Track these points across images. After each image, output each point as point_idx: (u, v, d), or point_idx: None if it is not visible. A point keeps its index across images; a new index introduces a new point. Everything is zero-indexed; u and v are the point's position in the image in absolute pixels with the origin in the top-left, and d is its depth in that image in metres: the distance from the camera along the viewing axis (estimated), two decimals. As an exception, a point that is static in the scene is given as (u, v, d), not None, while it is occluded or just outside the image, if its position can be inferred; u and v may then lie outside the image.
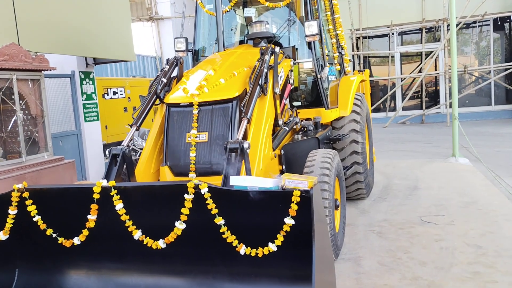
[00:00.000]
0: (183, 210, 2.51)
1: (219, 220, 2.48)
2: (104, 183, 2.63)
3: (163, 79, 4.24)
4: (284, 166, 4.46)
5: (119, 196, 2.62)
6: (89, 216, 2.67)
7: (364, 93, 6.72)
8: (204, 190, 2.46)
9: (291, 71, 4.77)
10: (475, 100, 15.15)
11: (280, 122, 4.21)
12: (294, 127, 4.86)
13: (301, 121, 4.94)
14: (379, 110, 15.99)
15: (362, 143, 5.41)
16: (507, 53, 14.99)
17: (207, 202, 2.46)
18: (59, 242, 2.80)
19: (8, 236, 2.84)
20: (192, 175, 3.68)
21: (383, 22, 15.12)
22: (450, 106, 14.68)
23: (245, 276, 2.70)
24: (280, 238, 2.44)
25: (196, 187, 2.47)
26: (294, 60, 4.92)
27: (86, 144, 8.47)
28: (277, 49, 4.23)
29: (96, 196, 2.63)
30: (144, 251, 2.82)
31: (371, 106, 15.66)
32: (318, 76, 4.95)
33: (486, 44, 15.05)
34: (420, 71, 14.96)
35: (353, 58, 15.39)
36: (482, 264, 3.65)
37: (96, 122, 8.71)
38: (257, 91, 3.77)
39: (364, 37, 15.87)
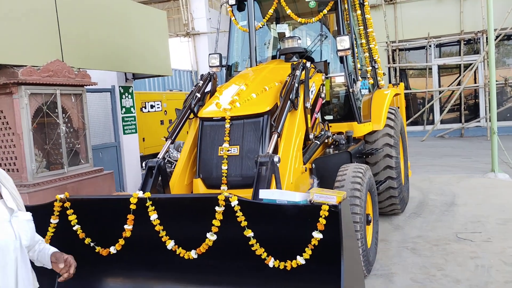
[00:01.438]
0: (214, 222, 2.58)
1: (249, 233, 2.54)
2: (140, 194, 2.74)
3: (197, 94, 4.37)
4: (315, 180, 4.49)
5: (154, 207, 2.72)
6: (125, 226, 2.78)
7: (399, 107, 6.66)
8: (234, 203, 2.53)
9: (323, 85, 4.82)
10: (516, 114, 14.66)
11: (311, 136, 4.25)
12: (326, 141, 4.88)
13: (333, 135, 4.95)
14: (417, 124, 15.68)
15: (396, 157, 5.35)
16: (550, 64, 14.47)
17: (237, 214, 2.53)
18: (97, 251, 2.92)
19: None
20: (223, 187, 3.76)
21: (420, 34, 14.90)
22: (490, 120, 14.27)
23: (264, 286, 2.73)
24: (308, 252, 2.47)
25: (227, 199, 2.54)
26: (326, 74, 4.96)
27: (124, 156, 8.73)
28: (308, 64, 4.29)
29: (132, 206, 2.75)
30: (176, 261, 2.91)
31: (408, 119, 15.45)
32: (350, 90, 4.96)
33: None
34: (459, 84, 14.63)
35: (389, 70, 15.23)
36: (519, 284, 3.54)
37: (134, 134, 8.98)
38: (288, 106, 3.83)
39: (401, 50, 15.67)
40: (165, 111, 10.84)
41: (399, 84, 6.67)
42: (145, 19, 8.39)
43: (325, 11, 5.05)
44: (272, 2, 5.14)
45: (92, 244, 2.93)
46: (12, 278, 1.78)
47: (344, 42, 4.70)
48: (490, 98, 7.96)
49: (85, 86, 6.50)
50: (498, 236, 4.65)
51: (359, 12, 5.54)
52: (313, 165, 4.51)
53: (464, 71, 14.49)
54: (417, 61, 15.84)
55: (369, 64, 5.68)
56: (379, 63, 6.08)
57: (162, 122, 10.64)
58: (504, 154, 10.28)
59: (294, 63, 4.35)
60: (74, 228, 2.90)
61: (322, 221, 2.40)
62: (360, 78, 5.15)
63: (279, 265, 2.54)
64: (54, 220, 2.91)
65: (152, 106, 10.47)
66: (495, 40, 13.59)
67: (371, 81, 5.64)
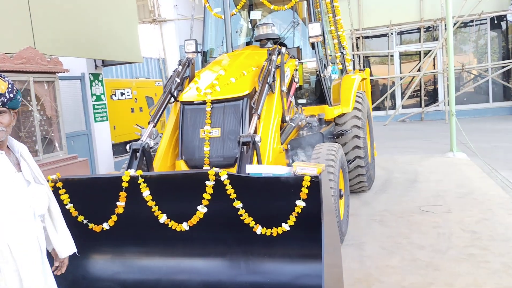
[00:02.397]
0: (204, 195, 2.79)
1: (238, 204, 2.77)
2: (132, 172, 2.91)
3: (177, 79, 4.52)
4: (290, 160, 4.76)
5: (146, 184, 2.90)
6: (118, 203, 2.95)
7: (365, 91, 7.00)
8: (223, 177, 2.75)
9: (296, 70, 5.06)
10: (473, 98, 15.42)
11: (287, 118, 4.49)
12: (300, 123, 5.14)
13: (306, 117, 5.21)
14: (379, 109, 16.23)
15: (364, 138, 5.68)
16: (504, 51, 15.27)
17: (226, 188, 2.75)
18: (90, 227, 3.08)
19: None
20: (206, 168, 3.96)
21: (382, 22, 15.39)
22: (449, 104, 14.99)
23: (259, 256, 2.98)
24: (292, 219, 2.72)
25: (217, 174, 2.76)
26: (299, 60, 5.20)
27: (96, 144, 8.75)
28: (283, 49, 4.52)
29: (125, 184, 2.91)
30: (167, 236, 3.11)
31: (372, 104, 15.99)
32: (322, 75, 5.23)
33: (484, 43, 15.33)
34: (419, 70, 15.24)
35: (353, 57, 15.67)
36: (476, 247, 3.93)
37: (105, 122, 9.00)
38: (266, 89, 4.05)
39: (364, 37, 16.14)
40: (136, 98, 10.84)
41: (364, 69, 7.00)
42: (114, 5, 8.38)
43: (296, -1, 5.28)
44: (246, -11, 5.32)
45: (85, 221, 3.08)
46: (34, 240, 1.99)
47: (315, 29, 4.95)
48: (449, 82, 8.44)
49: (57, 73, 6.52)
50: (457, 208, 5.07)
51: (328, 0, 5.81)
52: (289, 146, 4.78)
53: (424, 58, 15.10)
54: (379, 48, 16.35)
55: (338, 50, 5.96)
56: (346, 50, 6.38)
57: (132, 110, 10.65)
58: (462, 136, 10.90)
59: (270, 48, 4.57)
60: (67, 207, 3.04)
61: (305, 190, 2.66)
62: (330, 63, 5.44)
63: (266, 232, 2.78)
64: (47, 200, 3.04)
65: (122, 94, 10.46)
66: (453, 27, 14.23)
67: (340, 66, 5.94)
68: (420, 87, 15.61)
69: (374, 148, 7.03)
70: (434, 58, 15.33)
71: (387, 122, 14.94)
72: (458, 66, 15.02)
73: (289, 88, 4.82)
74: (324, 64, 5.27)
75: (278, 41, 5.26)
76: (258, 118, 3.87)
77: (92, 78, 8.78)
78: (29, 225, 1.98)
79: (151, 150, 4.14)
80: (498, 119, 13.83)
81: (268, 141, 3.98)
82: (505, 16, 14.28)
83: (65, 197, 3.06)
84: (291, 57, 5.07)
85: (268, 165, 3.03)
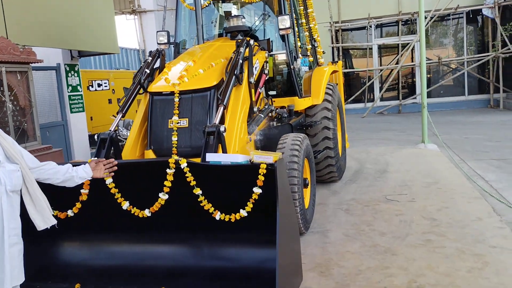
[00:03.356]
0: (165, 183, 2.89)
1: (197, 191, 2.87)
2: (94, 160, 2.98)
3: (146, 70, 4.58)
4: (260, 150, 4.87)
5: (109, 172, 2.98)
6: (82, 190, 3.02)
7: (337, 83, 7.13)
8: (183, 165, 2.84)
9: (266, 62, 5.15)
10: (449, 91, 15.73)
11: (255, 109, 4.59)
12: (270, 114, 5.24)
13: (276, 109, 5.31)
14: (359, 101, 16.43)
15: (333, 129, 5.82)
16: (480, 44, 15.58)
17: (186, 175, 2.85)
18: (54, 214, 3.14)
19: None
20: (174, 157, 4.04)
21: (361, 15, 15.56)
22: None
23: (220, 241, 3.09)
24: (249, 205, 2.84)
25: (177, 162, 2.85)
26: (269, 52, 5.29)
27: (72, 135, 8.74)
28: (251, 41, 4.60)
29: (88, 172, 2.98)
30: (131, 223, 3.20)
31: (351, 97, 16.21)
32: (291, 67, 5.33)
33: (460, 36, 15.61)
34: (397, 63, 15.47)
35: (332, 50, 15.82)
36: (434, 234, 4.10)
37: (82, 113, 8.98)
38: (233, 81, 4.14)
39: (343, 30, 16.30)
40: (113, 89, 10.83)
41: (337, 62, 7.13)
42: (89, -4, 8.34)
43: (267, -9, 5.37)
44: (218, -18, 5.39)
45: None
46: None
47: (284, 21, 5.04)
48: (421, 75, 8.62)
49: (31, 64, 6.50)
50: (421, 197, 5.25)
51: (299, -7, 5.90)
52: (257, 136, 4.88)
53: (402, 51, 15.32)
54: (359, 41, 16.54)
55: (309, 42, 6.07)
56: (318, 42, 6.49)
57: (110, 101, 10.64)
58: (436, 128, 11.14)
59: (239, 40, 4.65)
60: (33, 194, 3.09)
61: (261, 177, 2.77)
62: (300, 55, 5.54)
63: (224, 218, 2.89)
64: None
65: (99, 85, 10.44)
66: (429, 21, 14.48)
67: (311, 58, 6.05)
68: (398, 80, 15.86)
69: (346, 139, 7.18)
70: (412, 51, 15.57)
71: (365, 114, 15.17)
72: (434, 60, 15.30)
73: (258, 80, 4.92)
74: (294, 56, 5.37)
75: (248, 33, 5.33)
76: (225, 109, 3.96)
77: (68, 69, 8.75)
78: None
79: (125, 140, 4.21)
80: (473, 112, 14.15)
81: (234, 132, 4.07)
82: (480, 10, 14.55)
83: (30, 185, 3.11)
84: (261, 49, 5.16)
85: (228, 154, 3.13)
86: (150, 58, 4.72)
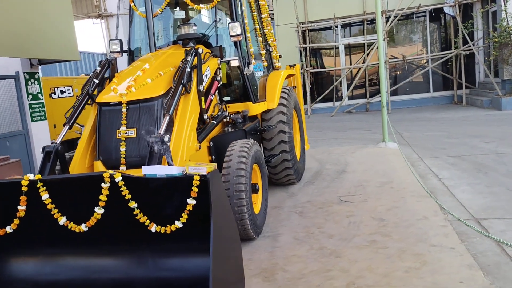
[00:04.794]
0: (101, 197, 2.91)
1: (133, 204, 2.90)
2: (31, 177, 2.99)
3: (95, 80, 4.58)
4: (213, 157, 4.92)
5: (45, 187, 2.99)
6: (19, 207, 3.02)
7: (295, 86, 7.24)
8: (118, 179, 2.87)
9: (219, 69, 5.21)
10: (415, 88, 16.06)
11: (205, 117, 4.63)
12: (225, 120, 5.30)
13: (231, 114, 5.37)
14: (329, 100, 16.61)
15: (289, 133, 5.90)
16: (442, 42, 15.95)
17: (121, 189, 2.87)
18: (-7, 231, 3.13)
19: None
20: (122, 168, 4.06)
21: (327, 15, 15.74)
22: (392, 94, 15.55)
23: (161, 251, 3.13)
24: (184, 216, 2.88)
25: (111, 176, 2.87)
26: (221, 58, 5.34)
27: (34, 144, 8.61)
28: (200, 49, 4.64)
29: (24, 189, 2.99)
30: (74, 236, 3.20)
31: (319, 96, 16.39)
32: (244, 72, 5.39)
33: (424, 34, 15.95)
34: (364, 62, 15.71)
35: (300, 51, 15.96)
36: (380, 234, 4.22)
37: (44, 121, 8.86)
38: (180, 89, 4.17)
39: (311, 30, 16.46)
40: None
41: (295, 65, 7.22)
42: (47, 1, 8.24)
43: (218, -2, 5.41)
44: (170, -12, 5.41)
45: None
46: None
47: (235, 28, 5.10)
48: (380, 75, 8.80)
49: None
50: (374, 197, 5.38)
51: (252, -1, 5.97)
52: (211, 143, 4.94)
53: (368, 50, 15.56)
54: (328, 41, 16.73)
55: (263, 47, 6.14)
56: (274, 47, 6.57)
57: (73, 108, 10.52)
58: (399, 126, 11.40)
59: (187, 49, 4.68)
60: (-30, 212, 3.08)
61: (195, 189, 2.82)
62: (253, 61, 5.61)
63: (160, 230, 2.93)
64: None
65: (62, 92, 10.31)
66: (393, 20, 14.76)
67: (266, 63, 6.12)
68: (365, 78, 16.12)
69: (306, 141, 7.29)
70: (378, 50, 15.82)
71: (333, 113, 15.38)
72: (399, 58, 15.60)
73: (209, 87, 4.97)
74: (247, 61, 5.43)
75: (200, 41, 5.37)
76: (170, 118, 3.98)
77: (27, 77, 8.62)
78: None
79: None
80: (438, 108, 14.49)
81: (182, 140, 4.11)
82: (442, 8, 14.89)
83: (-33, 203, 3.10)
84: (213, 56, 5.20)
85: (164, 166, 3.17)
86: (99, 68, 4.71)
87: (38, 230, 3.26)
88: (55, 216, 3.01)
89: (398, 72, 16.22)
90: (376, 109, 15.75)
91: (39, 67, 8.94)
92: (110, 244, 3.30)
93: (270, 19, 6.50)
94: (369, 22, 16.00)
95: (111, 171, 2.88)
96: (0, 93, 8.29)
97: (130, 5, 5.81)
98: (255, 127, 5.53)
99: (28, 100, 8.61)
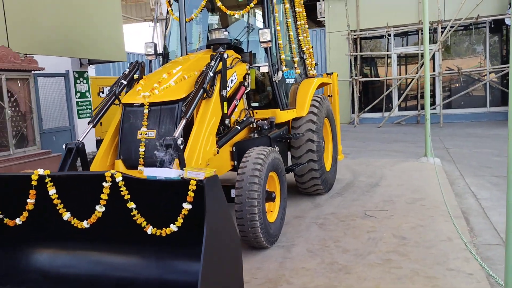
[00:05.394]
0: (102, 195, 2.96)
1: (131, 205, 2.93)
2: (41, 172, 3.10)
3: (123, 81, 4.71)
4: (235, 162, 4.91)
5: (52, 183, 3.09)
6: (28, 200, 3.14)
7: (331, 95, 7.09)
8: (118, 179, 2.91)
9: (248, 74, 5.20)
10: (471, 102, 15.29)
11: (227, 121, 4.63)
12: (251, 126, 5.29)
13: (257, 121, 5.34)
14: (379, 111, 16.16)
15: (318, 142, 5.78)
16: (502, 55, 15.09)
17: (120, 189, 2.91)
18: (4, 222, 3.28)
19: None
20: (141, 167, 4.13)
21: (380, 23, 15.35)
22: (445, 108, 14.89)
23: (153, 253, 3.15)
24: (180, 220, 2.87)
25: (112, 176, 2.92)
26: (251, 64, 5.33)
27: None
28: (226, 55, 4.65)
29: (34, 183, 3.11)
30: (79, 232, 3.28)
31: (368, 106, 15.98)
32: (273, 79, 5.35)
33: (483, 46, 15.17)
34: (417, 73, 15.17)
35: (350, 59, 15.68)
36: (397, 253, 4.02)
37: (89, 119, 9.24)
38: (200, 94, 4.20)
39: (362, 38, 16.13)
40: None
41: (332, 74, 7.08)
42: (98, 5, 8.62)
43: (252, 4, 5.41)
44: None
45: (1, 216, 3.28)
46: None
47: (265, 34, 5.08)
48: (425, 88, 8.46)
49: (32, 71, 6.77)
50: (401, 214, 5.14)
51: (287, 5, 5.92)
52: (234, 148, 4.93)
53: (421, 60, 15.01)
54: (378, 50, 16.33)
55: (296, 55, 6.06)
56: (310, 54, 6.47)
57: (120, 107, 10.91)
58: (448, 140, 10.89)
59: (213, 54, 4.71)
60: (-14, 202, 3.25)
61: (191, 193, 2.80)
62: (284, 68, 5.55)
63: (156, 232, 2.94)
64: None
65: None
66: (450, 31, 14.16)
67: (298, 70, 6.04)
68: (417, 89, 15.55)
69: (340, 151, 7.11)
70: (433, 61, 15.25)
71: (381, 124, 14.94)
72: (454, 70, 14.93)
73: (235, 92, 4.97)
74: (277, 68, 5.38)
75: (231, 46, 5.39)
76: (188, 122, 4.01)
77: (76, 75, 9.05)
78: None
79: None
80: (493, 124, 13.70)
81: (199, 144, 4.13)
82: (503, 20, 14.10)
83: (-17, 193, 3.26)
84: (242, 62, 5.21)
85: (165, 169, 3.19)
86: (128, 70, 4.84)
87: (47, 224, 3.38)
88: (60, 211, 3.10)
89: (457, 85, 15.49)
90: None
91: (92, 66, 9.36)
92: (110, 242, 3.36)
93: (306, 26, 6.42)
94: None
95: (112, 171, 2.93)
96: (51, 90, 8.76)
97: (167, 9, 5.94)
98: (282, 134, 5.46)
99: (76, 98, 9.03)
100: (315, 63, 6.66)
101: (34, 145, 6.81)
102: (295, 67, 6.01)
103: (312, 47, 6.69)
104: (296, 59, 6.03)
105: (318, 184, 5.93)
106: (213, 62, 4.47)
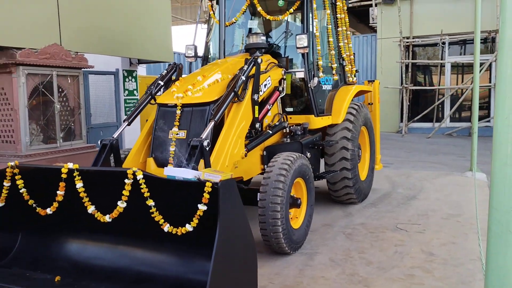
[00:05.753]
0: (124, 192, 3.08)
1: (150, 202, 3.03)
2: (70, 165, 3.27)
3: (160, 82, 4.86)
4: (266, 166, 4.93)
5: (80, 177, 3.25)
6: (58, 192, 3.32)
7: (372, 103, 6.96)
8: (139, 176, 3.02)
9: (284, 79, 5.22)
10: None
11: (257, 125, 4.66)
12: (284, 130, 5.30)
13: (291, 126, 5.34)
14: (430, 120, 15.65)
15: (353, 150, 5.69)
16: None
17: (141, 187, 3.02)
18: (37, 211, 3.47)
19: (4, 203, 3.57)
20: (170, 166, 4.25)
21: (434, 31, 14.87)
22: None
23: (167, 249, 3.23)
24: (195, 221, 2.93)
25: (134, 173, 3.03)
26: (287, 69, 5.34)
27: (125, 136, 9.36)
28: (260, 59, 4.68)
29: (63, 175, 3.28)
30: (98, 225, 3.41)
31: (417, 115, 15.48)
32: (308, 85, 5.33)
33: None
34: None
35: (401, 66, 15.28)
36: (422, 269, 3.89)
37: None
38: (231, 97, 4.26)
39: (415, 46, 15.68)
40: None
41: (373, 81, 6.95)
42: (148, 6, 8.93)
43: (291, 10, 5.43)
44: (246, -1, 5.57)
45: (34, 205, 3.48)
46: None
47: (302, 40, 5.08)
48: (472, 100, 8.12)
49: (82, 69, 7.11)
50: (433, 229, 4.97)
51: (328, 11, 5.88)
52: (265, 152, 4.96)
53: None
54: (431, 58, 15.82)
55: (335, 61, 6.00)
56: (351, 61, 6.39)
57: (166, 106, 11.24)
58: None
59: (248, 58, 4.76)
60: (21, 191, 3.46)
61: (206, 195, 2.86)
62: (321, 74, 5.52)
63: (172, 231, 3.02)
64: (6, 184, 3.48)
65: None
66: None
67: (336, 77, 5.98)
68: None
69: (378, 161, 6.97)
70: (489, 72, 14.59)
71: (430, 135, 14.46)
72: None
73: (269, 97, 5.00)
74: (313, 74, 5.36)
75: (268, 51, 5.43)
76: (216, 124, 4.08)
77: (125, 74, 9.41)
78: None
79: None
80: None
81: (226, 146, 4.19)
82: None
83: (20, 182, 3.47)
84: (278, 66, 5.23)
85: (185, 169, 3.26)
86: (165, 71, 4.99)
87: (76, 216, 3.54)
88: (85, 204, 3.25)
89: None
90: (481, 134, 14.46)
91: (143, 66, 9.70)
92: (132, 237, 3.48)
93: (349, 32, 6.34)
94: (482, 40, 14.77)
95: (134, 168, 3.04)
96: (101, 87, 9.16)
97: (209, 13, 6.06)
98: (314, 140, 5.42)
99: (124, 95, 9.39)
100: (356, 70, 6.56)
101: (80, 139, 7.14)
102: (333, 74, 5.96)
103: (354, 53, 6.60)
104: (335, 65, 5.96)
105: (351, 193, 5.84)
106: (246, 66, 4.52)
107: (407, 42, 15.32)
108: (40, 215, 3.54)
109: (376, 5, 16.31)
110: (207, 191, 2.86)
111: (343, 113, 5.73)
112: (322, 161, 5.84)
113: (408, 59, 15.39)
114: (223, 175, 2.89)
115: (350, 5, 17.34)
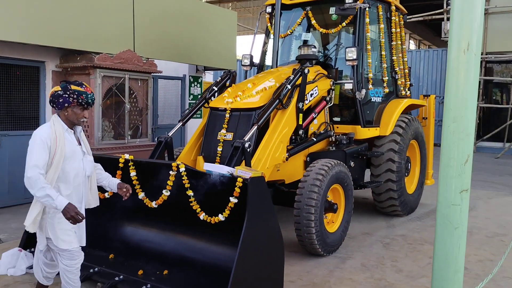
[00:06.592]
0: (168, 182, 3.49)
1: (189, 192, 3.41)
2: (126, 156, 3.74)
3: (214, 88, 5.29)
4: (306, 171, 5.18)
5: (134, 167, 3.71)
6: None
7: (426, 117, 6.94)
8: (182, 169, 3.41)
9: (332, 90, 5.45)
10: None
11: (300, 132, 4.92)
12: (330, 139, 5.52)
13: (337, 135, 5.54)
14: (502, 140, 14.94)
15: (399, 162, 5.76)
16: None
17: (182, 178, 3.41)
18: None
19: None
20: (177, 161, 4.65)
21: (510, 47, 14.23)
22: None
23: (203, 236, 3.59)
24: (226, 212, 3.27)
25: (178, 166, 3.43)
26: (335, 80, 5.55)
27: (187, 136, 9.96)
28: (306, 70, 4.95)
29: (120, 165, 3.76)
30: (147, 210, 3.82)
31: (487, 134, 14.82)
32: (356, 96, 5.51)
33: None
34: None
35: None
36: (451, 281, 3.93)
37: (199, 119, 10.14)
38: (275, 104, 4.57)
39: (489, 62, 15.08)
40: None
41: (429, 96, 6.93)
42: (216, 17, 9.50)
43: (344, 23, 5.65)
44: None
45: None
46: (80, 192, 2.95)
47: (351, 53, 5.30)
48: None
49: (151, 73, 7.76)
50: (474, 246, 4.93)
51: (382, 26, 6.02)
52: (308, 158, 5.21)
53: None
54: (508, 75, 15.13)
55: (387, 74, 6.10)
56: (405, 74, 6.45)
57: (229, 111, 11.78)
58: None
59: (295, 68, 5.04)
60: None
61: (237, 189, 3.19)
62: (370, 86, 5.66)
63: (206, 219, 3.37)
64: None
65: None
66: None
67: (387, 90, 6.09)
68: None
69: (430, 176, 6.92)
70: None
71: (499, 155, 13.81)
72: None
73: (315, 106, 5.25)
74: (361, 86, 5.53)
75: (320, 62, 5.68)
76: (259, 128, 4.40)
77: (192, 80, 10.03)
78: (83, 180, 2.94)
79: None
80: None
81: (268, 150, 4.49)
82: None
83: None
84: (327, 77, 5.47)
85: (222, 166, 3.59)
86: (220, 78, 5.41)
87: (129, 201, 4.00)
88: (137, 191, 3.70)
89: None
90: (556, 158, 13.63)
91: (210, 72, 10.25)
92: (168, 220, 3.89)
93: (404, 46, 6.43)
94: None
95: (178, 162, 3.44)
96: (170, 91, 9.84)
97: (267, 25, 6.43)
98: (359, 150, 5.57)
99: (189, 100, 10.00)
100: (410, 84, 6.62)
101: (146, 137, 7.78)
102: (384, 86, 6.07)
103: (410, 67, 6.66)
104: (386, 78, 6.07)
105: (396, 205, 5.90)
106: (292, 76, 4.81)
107: (480, 58, 14.75)
108: (99, 198, 4.06)
109: (448, 19, 15.89)
110: (238, 186, 3.18)
111: (392, 125, 5.83)
112: (368, 172, 5.97)
113: (481, 76, 14.82)
114: (254, 173, 3.21)
115: (421, 18, 17.05)
